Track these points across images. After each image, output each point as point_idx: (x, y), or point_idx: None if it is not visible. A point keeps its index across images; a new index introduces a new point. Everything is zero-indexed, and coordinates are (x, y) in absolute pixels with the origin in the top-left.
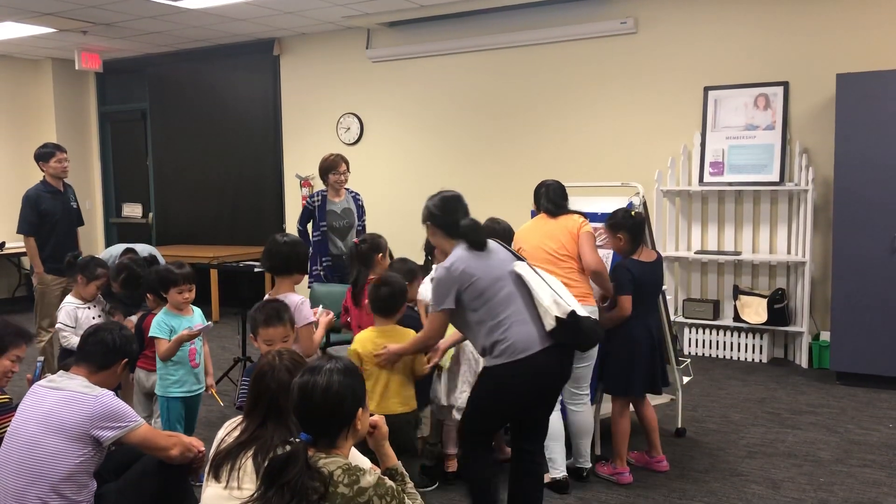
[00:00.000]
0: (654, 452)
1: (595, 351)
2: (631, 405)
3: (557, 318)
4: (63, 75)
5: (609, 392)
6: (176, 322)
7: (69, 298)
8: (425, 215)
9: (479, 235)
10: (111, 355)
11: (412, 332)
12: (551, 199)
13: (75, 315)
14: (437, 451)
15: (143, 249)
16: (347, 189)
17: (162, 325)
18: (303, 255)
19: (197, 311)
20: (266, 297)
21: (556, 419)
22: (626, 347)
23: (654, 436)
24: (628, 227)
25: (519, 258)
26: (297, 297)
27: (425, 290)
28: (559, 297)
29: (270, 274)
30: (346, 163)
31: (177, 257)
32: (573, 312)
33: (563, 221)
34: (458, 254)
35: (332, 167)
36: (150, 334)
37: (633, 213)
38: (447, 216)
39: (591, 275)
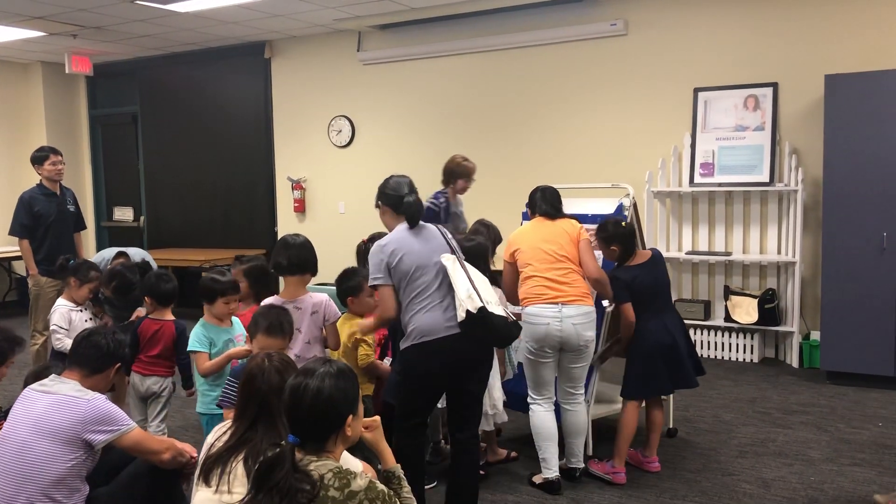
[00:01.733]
0: (647, 452)
1: (590, 352)
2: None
3: (468, 311)
4: (53, 79)
5: (624, 396)
6: (215, 334)
7: (61, 301)
8: (377, 196)
9: (417, 213)
10: (104, 360)
11: (360, 318)
12: (549, 202)
13: (69, 318)
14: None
15: (135, 254)
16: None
17: (201, 337)
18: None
19: (237, 321)
20: (275, 299)
21: (548, 418)
22: (641, 352)
23: (655, 437)
24: (620, 237)
25: (454, 250)
26: (322, 294)
27: None
28: (476, 292)
29: (289, 275)
30: None
31: (169, 260)
32: (483, 308)
33: (561, 225)
34: (394, 235)
35: (467, 173)
36: (189, 348)
37: (623, 223)
38: (395, 193)
39: (593, 283)
